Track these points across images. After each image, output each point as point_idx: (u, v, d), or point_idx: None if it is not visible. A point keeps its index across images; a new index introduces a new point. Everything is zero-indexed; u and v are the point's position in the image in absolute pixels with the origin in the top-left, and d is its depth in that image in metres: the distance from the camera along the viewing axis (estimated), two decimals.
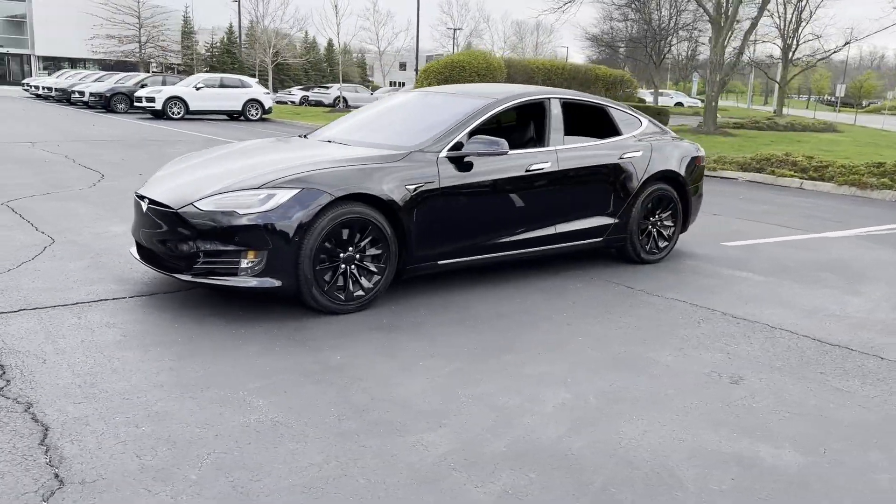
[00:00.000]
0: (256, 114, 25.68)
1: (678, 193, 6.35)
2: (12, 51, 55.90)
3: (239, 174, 4.59)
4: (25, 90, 39.41)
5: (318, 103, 36.26)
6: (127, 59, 48.40)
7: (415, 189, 4.70)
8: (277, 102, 39.87)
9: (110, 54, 46.77)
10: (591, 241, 5.84)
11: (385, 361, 3.81)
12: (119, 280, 5.03)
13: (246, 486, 2.57)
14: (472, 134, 5.13)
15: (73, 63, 55.50)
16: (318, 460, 2.77)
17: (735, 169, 13.64)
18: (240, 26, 50.19)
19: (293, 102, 38.91)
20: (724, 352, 4.19)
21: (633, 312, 4.88)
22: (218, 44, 69.60)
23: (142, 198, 4.71)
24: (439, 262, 4.98)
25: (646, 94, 44.44)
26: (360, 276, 4.59)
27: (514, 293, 5.17)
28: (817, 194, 11.68)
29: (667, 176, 6.24)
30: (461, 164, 4.99)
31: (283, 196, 4.29)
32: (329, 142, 5.44)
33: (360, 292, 4.59)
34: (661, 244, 6.34)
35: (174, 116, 24.21)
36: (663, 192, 6.21)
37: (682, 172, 6.32)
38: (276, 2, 64.33)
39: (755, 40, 40.92)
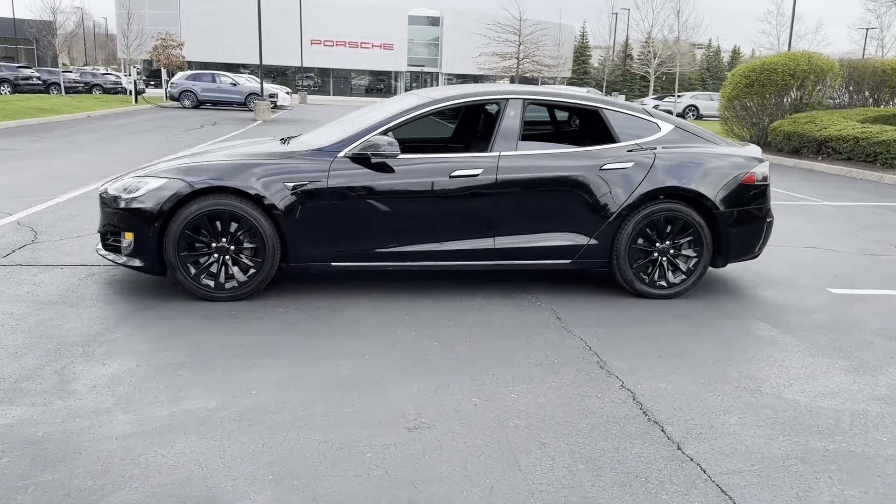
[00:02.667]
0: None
1: (704, 217, 5.12)
2: (427, 69, 64.86)
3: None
4: None
5: (666, 112, 34.85)
6: (504, 75, 52.60)
7: (294, 187, 4.72)
8: None
9: (492, 70, 51.33)
10: (552, 261, 5.08)
11: (144, 344, 3.99)
12: None
13: None
14: (384, 134, 4.93)
15: (476, 79, 62.16)
16: None
17: None
18: (613, 40, 50.76)
19: None
20: (485, 398, 3.45)
21: (490, 343, 4.21)
22: (614, 58, 71.39)
23: None
24: (333, 264, 4.89)
25: None
26: (235, 268, 4.79)
27: (413, 307, 4.82)
28: None
29: (680, 194, 5.09)
30: (369, 164, 4.83)
31: (153, 184, 4.72)
32: (282, 141, 5.62)
33: (234, 283, 4.79)
34: (676, 278, 5.19)
35: None
36: (674, 213, 5.07)
37: (707, 192, 5.07)
38: (666, 11, 63.00)
39: None
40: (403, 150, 4.88)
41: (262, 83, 28.51)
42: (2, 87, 34.28)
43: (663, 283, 5.18)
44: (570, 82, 68.71)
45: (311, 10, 57.73)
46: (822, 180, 13.34)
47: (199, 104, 32.33)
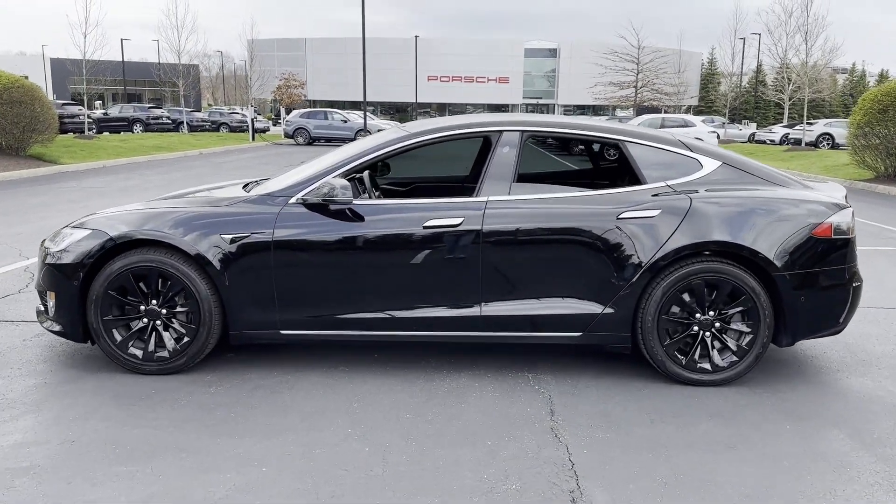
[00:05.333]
0: None
1: (760, 281, 3.89)
2: (543, 101, 64.00)
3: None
4: None
5: (797, 141, 31.95)
6: (622, 104, 50.70)
7: (232, 240, 3.92)
8: (755, 142, 36.86)
9: (608, 100, 49.59)
10: (556, 333, 4.00)
11: (16, 435, 3.27)
12: None
13: None
14: (346, 175, 4.07)
15: (597, 110, 60.71)
16: None
17: None
18: (742, 65, 47.87)
19: (772, 141, 35.26)
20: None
21: (439, 452, 3.19)
22: (746, 85, 67.64)
23: None
24: (283, 332, 4.03)
25: None
26: (166, 334, 4.03)
27: (372, 389, 3.88)
28: None
29: (727, 251, 3.89)
30: (327, 212, 3.98)
31: (76, 237, 4.05)
32: (249, 182, 4.86)
33: (164, 353, 4.03)
34: (724, 360, 3.96)
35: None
36: (718, 275, 3.87)
37: (763, 248, 3.83)
38: (801, 36, 59.13)
39: None
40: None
41: (365, 119, 28.65)
42: (135, 127, 36.41)
43: (706, 366, 3.97)
44: (697, 111, 65.62)
45: (429, 47, 58.47)
46: None
47: (311, 141, 32.93)
